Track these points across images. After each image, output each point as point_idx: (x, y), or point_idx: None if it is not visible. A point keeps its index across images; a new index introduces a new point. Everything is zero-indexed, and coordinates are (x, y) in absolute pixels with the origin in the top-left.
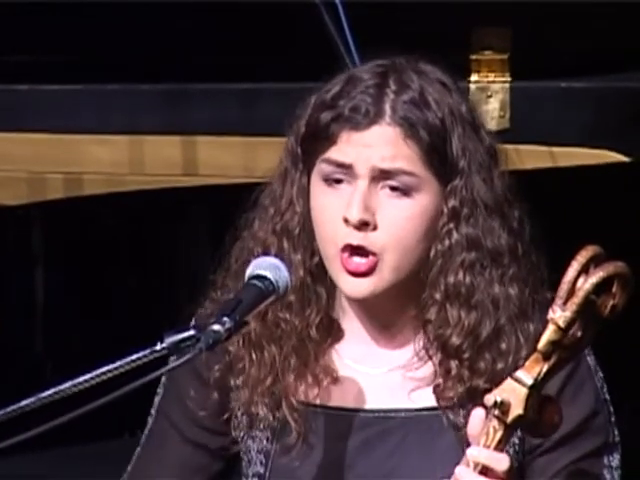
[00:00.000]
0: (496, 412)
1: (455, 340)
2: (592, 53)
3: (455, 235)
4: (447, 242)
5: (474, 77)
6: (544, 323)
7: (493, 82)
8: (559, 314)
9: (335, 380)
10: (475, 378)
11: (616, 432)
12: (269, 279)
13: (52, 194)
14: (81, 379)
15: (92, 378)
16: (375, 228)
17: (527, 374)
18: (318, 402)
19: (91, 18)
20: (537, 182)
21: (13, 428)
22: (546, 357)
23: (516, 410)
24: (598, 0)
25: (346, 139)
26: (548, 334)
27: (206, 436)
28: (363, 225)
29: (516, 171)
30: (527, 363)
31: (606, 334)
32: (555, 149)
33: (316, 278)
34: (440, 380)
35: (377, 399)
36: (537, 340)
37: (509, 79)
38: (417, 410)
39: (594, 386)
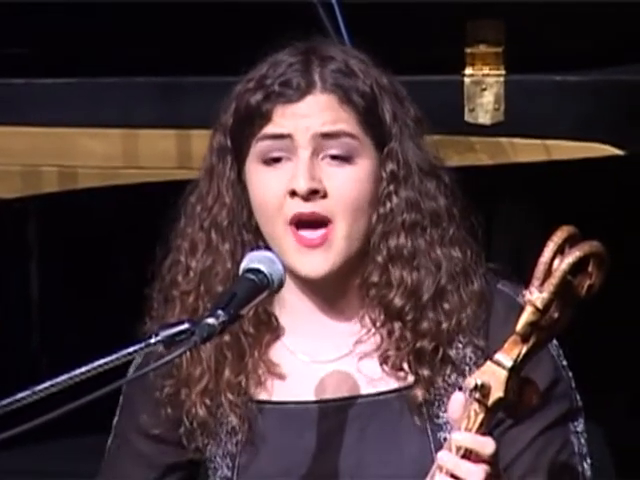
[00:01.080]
0: (477, 395)
1: (398, 301)
2: (587, 46)
3: (395, 198)
4: (388, 205)
5: (469, 70)
6: (489, 287)
7: (488, 75)
8: (536, 295)
9: (281, 375)
10: (419, 339)
11: (578, 397)
12: (263, 272)
13: (47, 187)
14: (76, 372)
15: (87, 371)
16: (325, 196)
17: (506, 356)
18: (265, 398)
19: (86, 12)
20: (531, 175)
21: (8, 422)
22: (525, 339)
23: (497, 393)
24: None
25: (281, 113)
26: (526, 316)
27: (162, 449)
28: (312, 194)
29: (511, 164)
30: (506, 345)
31: (605, 334)
32: (549, 142)
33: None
34: (385, 346)
35: (333, 388)
36: (482, 304)
37: (504, 72)
38: (375, 395)
39: (550, 355)
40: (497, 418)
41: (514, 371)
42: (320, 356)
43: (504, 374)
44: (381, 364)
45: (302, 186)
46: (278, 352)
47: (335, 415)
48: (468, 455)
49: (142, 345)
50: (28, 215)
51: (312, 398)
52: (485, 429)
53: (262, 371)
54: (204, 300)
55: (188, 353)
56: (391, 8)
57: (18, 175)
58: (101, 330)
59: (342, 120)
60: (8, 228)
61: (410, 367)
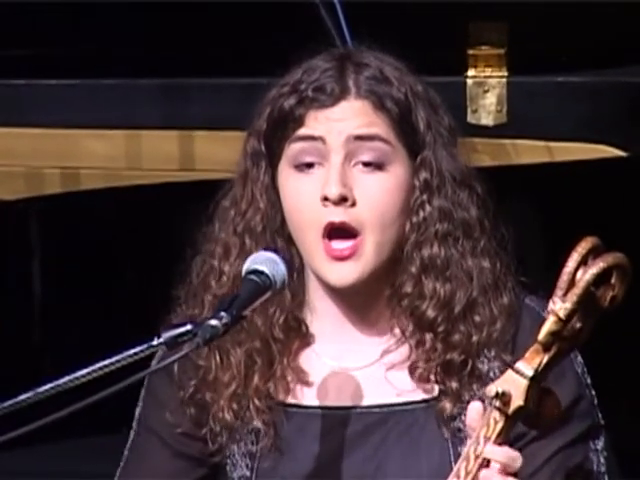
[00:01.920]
0: (497, 403)
1: (430, 313)
2: (588, 48)
3: (428, 207)
4: (421, 214)
5: (471, 72)
6: (518, 301)
7: (490, 77)
8: (559, 305)
9: (308, 382)
10: (449, 351)
11: (600, 415)
12: (266, 274)
13: (50, 189)
14: (78, 374)
15: (89, 373)
16: (354, 204)
17: (527, 365)
18: (292, 402)
19: (88, 12)
20: (534, 176)
21: (10, 423)
22: (546, 348)
23: (517, 401)
24: None
25: (314, 117)
26: (548, 325)
27: (187, 442)
28: (342, 200)
29: (513, 166)
30: (527, 354)
31: (604, 333)
32: (552, 144)
33: (289, 269)
34: (415, 357)
35: (359, 396)
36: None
37: (506, 74)
38: (401, 404)
39: (575, 372)
40: (517, 432)
41: (535, 380)
42: (348, 363)
43: (525, 383)
44: (410, 374)
45: (334, 192)
46: (307, 359)
47: (359, 422)
48: (485, 465)
49: (145, 347)
50: (31, 216)
51: (338, 404)
52: (504, 438)
53: (290, 377)
54: None
55: (218, 358)
56: (393, 9)
57: (21, 176)
58: (103, 330)
59: (377, 125)
60: (11, 229)
61: (437, 379)
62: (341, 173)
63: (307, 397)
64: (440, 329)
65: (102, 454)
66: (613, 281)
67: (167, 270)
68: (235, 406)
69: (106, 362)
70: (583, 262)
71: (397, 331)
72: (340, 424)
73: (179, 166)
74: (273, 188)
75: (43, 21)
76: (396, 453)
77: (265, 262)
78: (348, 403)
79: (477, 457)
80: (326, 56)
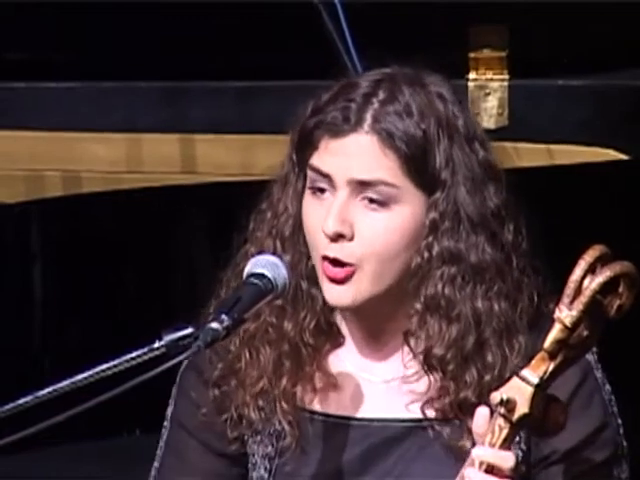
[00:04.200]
0: (502, 410)
1: (437, 351)
2: (590, 51)
3: (435, 248)
4: (426, 255)
5: (472, 75)
6: (535, 344)
7: (491, 80)
8: (565, 313)
9: (335, 387)
10: (462, 390)
11: (625, 444)
12: (267, 277)
13: (50, 192)
14: (79, 377)
15: (90, 376)
16: (352, 239)
17: (533, 373)
18: (317, 409)
19: (89, 15)
20: (535, 180)
21: (10, 426)
22: (552, 356)
23: (522, 409)
24: None
25: (325, 146)
26: (554, 333)
27: (222, 442)
28: (339, 237)
29: (514, 169)
30: (533, 362)
31: (607, 336)
32: (553, 147)
33: (311, 281)
34: (430, 393)
35: (377, 408)
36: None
37: (507, 77)
38: (416, 420)
39: (602, 399)
40: (538, 455)
41: (540, 388)
42: (372, 375)
43: (530, 390)
44: (422, 411)
45: (330, 229)
46: (334, 364)
47: (375, 435)
48: (490, 470)
49: (145, 350)
50: (31, 219)
51: (356, 414)
52: (509, 445)
53: (318, 381)
54: None
55: (247, 354)
56: (394, 12)
57: (22, 179)
58: (104, 333)
59: (381, 167)
60: (12, 232)
61: (456, 416)
62: (342, 210)
63: (331, 404)
64: (449, 368)
65: (103, 457)
66: (620, 290)
67: (168, 273)
68: (261, 403)
69: (106, 365)
70: (591, 270)
71: (406, 357)
72: (358, 435)
73: (180, 169)
74: (304, 196)
75: (44, 24)
76: (418, 467)
77: (267, 265)
78: (371, 415)
79: (482, 463)
80: (370, 74)
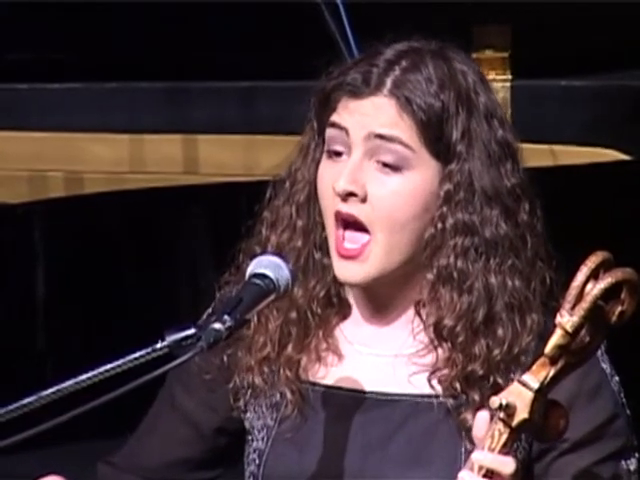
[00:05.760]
0: (501, 415)
1: (448, 322)
2: (592, 51)
3: (449, 219)
4: (440, 225)
5: None
6: (547, 322)
7: (494, 80)
8: (567, 319)
9: (340, 359)
10: (470, 363)
11: (634, 436)
12: (270, 277)
13: (53, 192)
14: (82, 378)
15: (93, 377)
16: (364, 200)
17: (533, 378)
18: (321, 380)
19: (92, 16)
20: (538, 180)
21: (14, 427)
22: (553, 361)
23: (522, 414)
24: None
25: (344, 105)
26: (555, 338)
27: (223, 405)
28: (350, 196)
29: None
30: (534, 367)
31: (608, 338)
32: (556, 147)
33: (323, 251)
34: (437, 364)
35: (381, 382)
36: (543, 339)
37: (510, 77)
38: (420, 396)
39: (611, 390)
40: (542, 447)
41: (540, 393)
42: (376, 349)
43: (530, 395)
44: (429, 381)
45: (340, 186)
46: (341, 336)
47: (376, 409)
48: (490, 475)
49: (148, 350)
50: (34, 219)
51: (358, 387)
52: (508, 449)
53: (323, 352)
54: None
55: (256, 319)
56: (397, 12)
57: (24, 180)
58: (106, 334)
59: (399, 127)
60: (14, 232)
61: (459, 389)
62: (355, 169)
63: (334, 376)
64: (459, 339)
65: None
66: (622, 296)
67: (171, 274)
68: (265, 370)
69: (109, 366)
70: (593, 276)
71: (423, 337)
72: (358, 407)
73: (182, 169)
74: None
75: (47, 25)
76: (408, 442)
77: (269, 266)
78: (366, 388)
79: (481, 468)
80: (398, 45)
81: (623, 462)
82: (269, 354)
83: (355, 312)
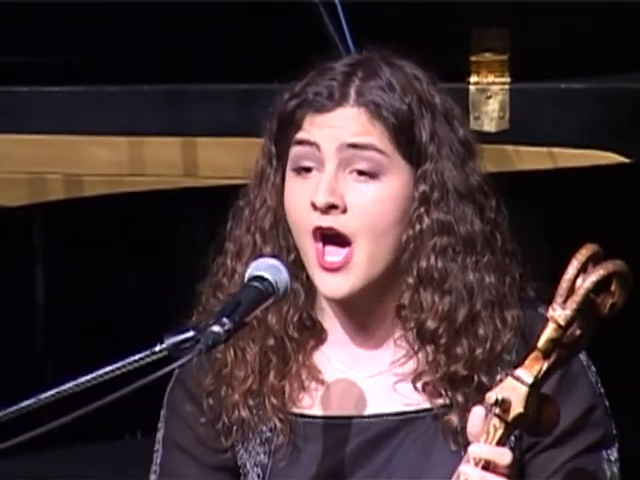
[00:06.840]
0: (497, 410)
1: (430, 324)
2: (591, 54)
3: (426, 220)
4: (418, 227)
5: (474, 78)
6: (526, 316)
7: (493, 83)
8: (559, 312)
9: (323, 385)
10: (452, 364)
11: (613, 425)
12: (268, 280)
13: (52, 195)
14: (81, 380)
15: (92, 379)
16: (345, 211)
17: (527, 372)
18: (307, 409)
19: (91, 19)
20: (537, 183)
21: (13, 429)
22: (546, 355)
23: (517, 408)
24: (597, 0)
25: (310, 121)
26: (548, 332)
27: (216, 455)
28: (331, 208)
29: (515, 172)
30: (527, 362)
31: (605, 334)
32: (555, 150)
33: (291, 275)
34: (419, 369)
35: (369, 404)
36: (524, 334)
37: (509, 80)
38: (411, 413)
39: (589, 381)
40: (529, 442)
41: (534, 387)
42: (357, 371)
43: (524, 390)
44: (414, 385)
45: (321, 199)
46: (320, 361)
47: (369, 431)
48: (487, 467)
49: (147, 353)
50: (33, 222)
51: (348, 413)
52: (503, 445)
53: (305, 377)
54: None
55: (233, 353)
56: (396, 15)
57: (24, 183)
58: (105, 336)
59: (371, 134)
60: (14, 235)
61: (443, 392)
62: (332, 181)
63: (319, 403)
64: (442, 341)
65: (104, 459)
66: (613, 288)
67: (170, 276)
68: (251, 402)
69: (108, 368)
70: (583, 269)
71: (404, 343)
72: (350, 433)
73: (182, 172)
74: (283, 189)
75: (45, 27)
76: (407, 462)
77: (268, 269)
78: (355, 412)
79: (478, 460)
80: (345, 60)
81: (604, 452)
82: (252, 385)
83: (334, 333)
